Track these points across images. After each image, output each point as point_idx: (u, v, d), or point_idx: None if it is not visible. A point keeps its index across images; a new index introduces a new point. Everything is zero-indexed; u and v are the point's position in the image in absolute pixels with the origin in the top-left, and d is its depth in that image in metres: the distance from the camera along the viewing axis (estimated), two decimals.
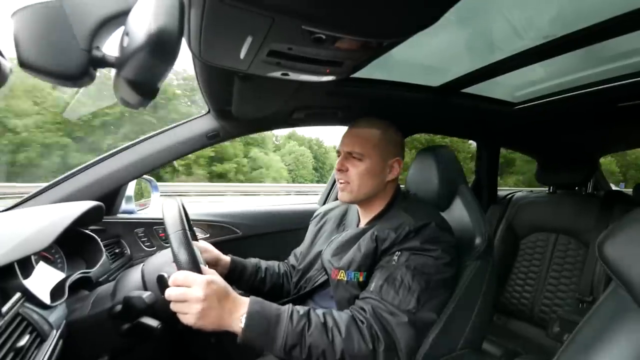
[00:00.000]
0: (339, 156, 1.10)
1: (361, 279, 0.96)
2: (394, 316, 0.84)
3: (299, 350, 0.78)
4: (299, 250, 1.31)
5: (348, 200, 1.08)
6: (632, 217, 0.58)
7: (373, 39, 0.67)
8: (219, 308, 0.78)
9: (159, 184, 1.79)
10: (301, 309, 0.84)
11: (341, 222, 1.22)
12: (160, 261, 0.96)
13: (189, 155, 1.57)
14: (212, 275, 0.83)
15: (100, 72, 0.47)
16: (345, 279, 0.97)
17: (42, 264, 0.93)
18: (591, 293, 1.73)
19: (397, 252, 0.92)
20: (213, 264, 1.11)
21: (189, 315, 0.76)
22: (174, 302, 0.78)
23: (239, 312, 0.79)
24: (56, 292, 0.85)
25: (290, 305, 0.85)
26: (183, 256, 0.82)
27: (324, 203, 2.05)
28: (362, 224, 1.12)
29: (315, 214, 1.33)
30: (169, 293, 0.77)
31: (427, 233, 0.94)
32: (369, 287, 0.91)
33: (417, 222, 0.95)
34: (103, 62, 0.44)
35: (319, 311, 0.85)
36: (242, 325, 0.78)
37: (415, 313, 0.85)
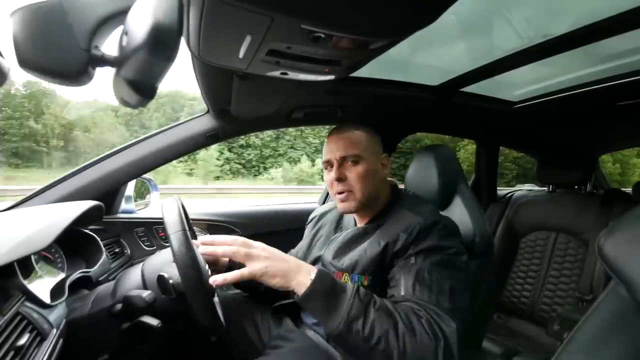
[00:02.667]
0: (327, 167, 1.06)
1: (366, 283, 0.94)
2: (443, 321, 0.77)
3: (361, 323, 0.73)
4: (295, 251, 1.29)
5: (354, 210, 1.02)
6: (632, 215, 0.58)
7: (372, 37, 0.67)
8: (284, 262, 0.79)
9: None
10: (367, 292, 0.80)
11: (338, 224, 1.20)
12: (160, 261, 0.96)
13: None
14: None
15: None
16: (350, 281, 0.96)
17: (42, 263, 0.94)
18: (591, 291, 1.73)
19: (413, 254, 0.89)
20: (212, 263, 1.11)
21: (255, 262, 0.77)
22: (238, 248, 0.79)
23: (305, 270, 0.79)
24: (56, 292, 0.85)
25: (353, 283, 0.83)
26: (183, 257, 0.82)
27: (324, 202, 2.05)
28: (360, 224, 1.09)
29: (310, 217, 1.31)
30: (236, 238, 0.81)
31: (439, 230, 0.92)
32: (399, 291, 0.84)
33: (427, 221, 0.92)
34: (102, 62, 0.44)
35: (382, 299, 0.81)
36: (312, 278, 0.76)
37: (453, 311, 0.80)
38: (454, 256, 0.89)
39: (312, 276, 0.77)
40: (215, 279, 0.77)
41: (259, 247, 0.80)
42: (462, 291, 0.86)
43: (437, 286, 0.82)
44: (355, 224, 1.11)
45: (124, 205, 1.60)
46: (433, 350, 0.72)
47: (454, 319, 0.78)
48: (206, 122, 1.45)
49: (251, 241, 0.81)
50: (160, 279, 0.87)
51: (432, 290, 0.81)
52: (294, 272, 0.78)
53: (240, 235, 0.87)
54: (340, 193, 1.02)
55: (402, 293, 0.83)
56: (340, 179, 1.00)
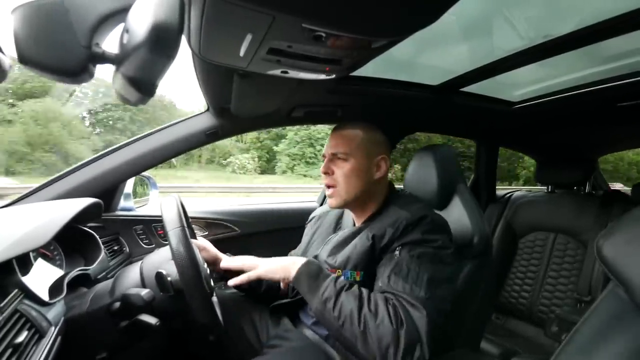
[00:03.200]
0: (323, 160, 1.09)
1: (358, 278, 0.96)
2: (414, 307, 0.80)
3: (332, 303, 0.83)
4: (295, 252, 1.30)
5: (336, 205, 1.06)
6: (631, 216, 0.58)
7: (373, 37, 0.67)
8: (279, 261, 0.96)
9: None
10: (344, 281, 0.90)
11: (337, 224, 1.21)
12: (158, 259, 0.96)
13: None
14: None
15: None
16: (342, 278, 0.97)
17: (40, 260, 0.93)
18: (589, 292, 1.73)
19: (398, 247, 0.91)
20: (211, 262, 1.11)
21: (259, 268, 0.96)
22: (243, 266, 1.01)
23: (299, 261, 0.93)
24: (54, 289, 0.85)
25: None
26: (181, 253, 0.82)
27: (323, 201, 2.05)
28: (358, 224, 1.11)
29: (310, 217, 1.33)
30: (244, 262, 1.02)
31: (426, 225, 0.93)
32: (377, 283, 0.90)
33: (413, 216, 0.94)
34: (103, 59, 0.44)
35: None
36: (299, 267, 0.91)
37: (428, 300, 0.82)
38: (437, 249, 0.91)
39: (303, 262, 0.92)
40: (235, 281, 0.97)
41: (260, 262, 0.99)
42: (441, 282, 0.87)
43: (414, 276, 0.85)
44: (354, 224, 1.12)
45: (123, 203, 1.60)
46: (392, 332, 0.76)
47: (427, 307, 0.80)
48: (206, 120, 1.45)
49: (257, 262, 1.00)
50: (159, 276, 0.87)
51: (406, 281, 0.84)
52: (290, 266, 0.93)
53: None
54: (328, 187, 1.06)
55: (380, 284, 0.88)
56: (327, 172, 1.05)
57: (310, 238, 1.24)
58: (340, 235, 1.08)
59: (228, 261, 1.06)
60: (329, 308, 0.82)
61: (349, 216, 1.16)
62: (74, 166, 1.34)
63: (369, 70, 1.05)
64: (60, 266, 1.04)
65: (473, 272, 1.13)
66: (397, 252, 0.90)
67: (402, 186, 1.31)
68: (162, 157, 1.43)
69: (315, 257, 1.11)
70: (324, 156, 1.09)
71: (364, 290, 0.86)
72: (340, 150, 1.03)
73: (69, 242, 1.09)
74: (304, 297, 0.90)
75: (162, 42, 0.41)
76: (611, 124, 1.89)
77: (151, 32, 0.39)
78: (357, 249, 0.97)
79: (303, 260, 0.93)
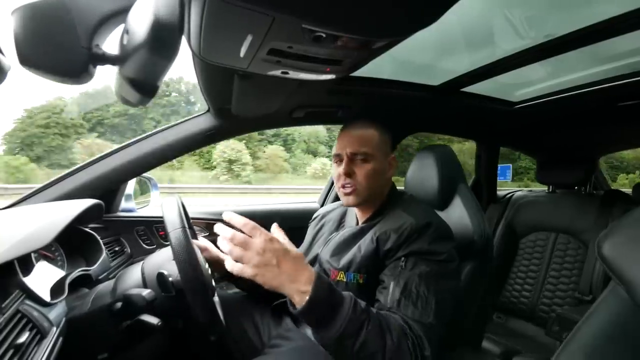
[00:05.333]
0: (336, 161, 1.07)
1: (361, 281, 0.95)
2: (425, 336, 0.78)
3: (352, 341, 0.73)
4: None
5: (354, 203, 1.04)
6: (632, 216, 0.58)
7: (373, 37, 0.67)
8: (276, 268, 0.73)
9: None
10: (360, 301, 0.78)
11: (340, 223, 1.20)
12: (160, 259, 0.96)
13: None
14: (277, 237, 0.80)
15: None
16: (345, 280, 0.97)
17: (42, 261, 0.94)
18: (590, 292, 1.73)
19: (402, 258, 0.89)
20: (213, 262, 1.11)
21: (246, 266, 0.73)
22: (234, 247, 0.74)
23: (301, 279, 0.74)
24: (56, 290, 0.85)
25: (350, 294, 0.79)
26: (182, 253, 0.82)
27: (323, 202, 2.05)
28: (361, 220, 1.10)
29: (313, 216, 1.32)
30: (234, 235, 0.74)
31: (431, 234, 0.92)
32: (385, 299, 0.86)
33: (418, 222, 0.93)
34: (103, 60, 0.44)
35: (373, 308, 0.80)
36: (309, 290, 0.72)
37: (436, 325, 0.82)
38: (444, 264, 0.90)
39: (309, 288, 0.73)
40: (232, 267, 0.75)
41: (254, 250, 0.73)
42: (446, 304, 0.87)
43: (423, 301, 0.83)
44: (357, 223, 1.12)
45: (124, 204, 1.61)
46: None
47: (433, 336, 0.80)
48: (206, 121, 1.45)
49: (250, 240, 0.74)
50: (160, 276, 0.87)
51: (416, 306, 0.82)
52: (288, 281, 0.74)
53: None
54: (344, 186, 1.03)
55: (388, 304, 0.84)
56: (349, 173, 1.02)
57: (313, 237, 1.24)
58: (342, 234, 1.08)
59: (231, 215, 0.79)
60: (348, 345, 0.73)
61: (352, 215, 1.16)
62: (75, 167, 1.34)
63: (369, 70, 1.05)
64: (61, 267, 1.04)
65: (474, 272, 1.13)
66: (402, 263, 0.89)
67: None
68: (162, 157, 1.43)
69: (317, 256, 1.11)
70: (336, 157, 1.07)
71: (379, 315, 0.79)
72: (361, 150, 1.02)
73: (70, 243, 1.09)
74: (309, 325, 0.80)
75: (162, 43, 0.41)
76: (612, 124, 1.89)
77: (151, 32, 0.39)
78: (361, 252, 0.97)
79: (309, 278, 0.74)
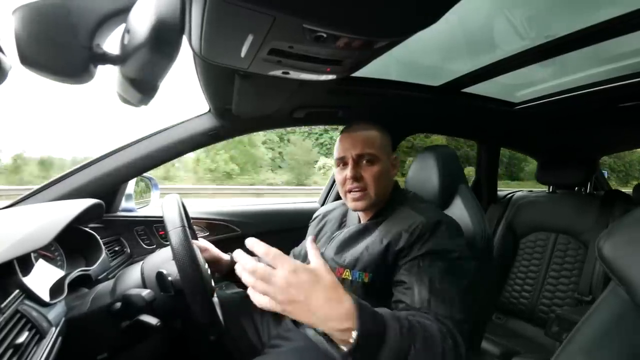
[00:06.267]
0: (339, 165, 1.05)
1: (366, 280, 0.94)
2: (458, 333, 0.75)
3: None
4: (297, 250, 1.30)
5: (364, 207, 1.02)
6: (632, 217, 0.58)
7: (374, 37, 0.67)
8: (305, 305, 0.63)
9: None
10: (404, 320, 0.69)
11: (342, 222, 1.20)
12: (159, 259, 0.96)
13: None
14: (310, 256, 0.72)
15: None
16: (350, 278, 0.96)
17: (41, 261, 0.94)
18: (590, 292, 1.73)
19: (418, 257, 0.87)
20: (213, 262, 1.11)
21: (272, 301, 0.64)
22: (256, 281, 0.64)
23: (338, 318, 0.62)
24: (55, 290, 0.85)
25: (395, 314, 0.70)
26: (182, 253, 0.82)
27: (324, 202, 2.05)
28: (364, 220, 1.09)
29: (314, 216, 1.31)
30: (255, 268, 0.64)
31: (444, 231, 0.91)
32: (413, 300, 0.81)
33: (429, 220, 0.91)
34: (104, 60, 0.44)
35: (413, 319, 0.71)
36: (353, 333, 0.61)
37: (465, 321, 0.80)
38: (460, 260, 0.89)
39: (351, 324, 0.62)
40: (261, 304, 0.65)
41: (277, 286, 0.63)
42: (467, 298, 0.85)
43: (450, 298, 0.81)
44: (359, 221, 1.11)
45: (124, 204, 1.60)
46: None
47: (464, 332, 0.78)
48: (207, 121, 1.45)
49: (272, 273, 0.64)
50: (159, 276, 0.87)
51: (445, 303, 0.80)
52: (322, 319, 0.63)
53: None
54: (352, 191, 1.01)
55: (417, 305, 0.80)
56: (356, 177, 1.00)
57: (315, 237, 1.23)
58: (346, 232, 1.07)
59: (253, 242, 0.68)
60: None
61: (354, 213, 1.15)
62: (75, 167, 1.34)
63: (370, 71, 1.05)
64: (61, 267, 1.04)
65: (474, 272, 1.13)
66: (419, 262, 0.86)
67: None
68: (163, 158, 1.43)
69: (321, 254, 1.10)
70: (340, 160, 1.04)
71: (419, 327, 0.69)
72: (367, 152, 1.00)
73: (70, 243, 1.09)
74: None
75: (163, 43, 0.41)
76: (613, 125, 1.89)
77: (152, 32, 0.39)
78: (368, 250, 0.95)
79: (348, 313, 0.62)
